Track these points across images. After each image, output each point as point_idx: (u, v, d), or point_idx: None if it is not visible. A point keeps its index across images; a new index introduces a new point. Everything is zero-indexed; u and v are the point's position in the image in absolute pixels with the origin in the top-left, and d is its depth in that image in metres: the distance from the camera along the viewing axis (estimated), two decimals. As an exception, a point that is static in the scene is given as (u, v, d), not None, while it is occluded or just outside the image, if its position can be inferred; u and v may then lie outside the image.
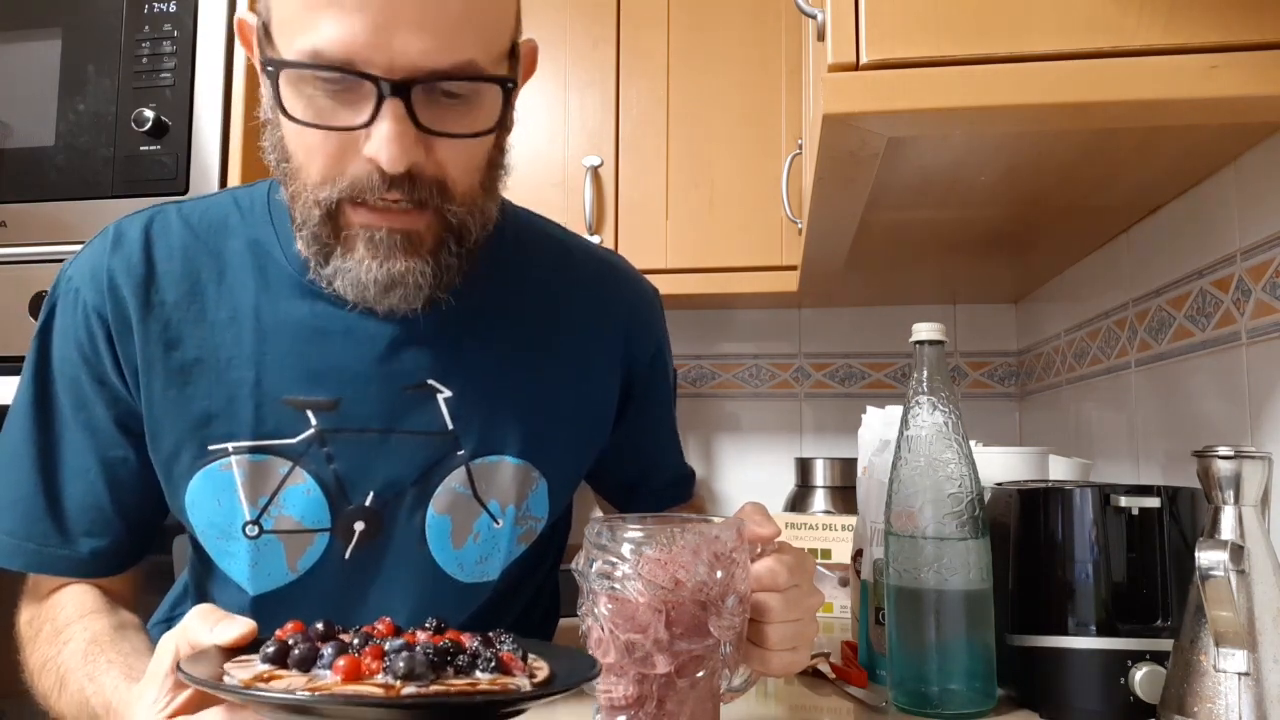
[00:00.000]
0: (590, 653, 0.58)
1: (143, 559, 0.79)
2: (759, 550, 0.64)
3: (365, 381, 0.73)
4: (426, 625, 0.59)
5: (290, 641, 0.49)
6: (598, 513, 1.09)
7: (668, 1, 1.52)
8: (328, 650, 0.48)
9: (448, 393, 0.74)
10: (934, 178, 0.93)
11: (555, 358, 0.80)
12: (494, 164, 0.70)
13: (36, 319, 0.76)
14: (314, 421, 0.72)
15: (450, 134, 0.63)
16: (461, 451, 0.75)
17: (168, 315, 0.72)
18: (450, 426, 0.74)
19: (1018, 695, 0.76)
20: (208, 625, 0.52)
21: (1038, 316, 1.60)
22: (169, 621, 0.85)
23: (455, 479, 0.75)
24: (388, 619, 0.58)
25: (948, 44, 0.69)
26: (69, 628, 0.70)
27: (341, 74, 0.60)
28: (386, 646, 0.48)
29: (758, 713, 0.79)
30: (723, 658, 0.59)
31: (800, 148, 1.36)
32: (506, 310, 0.79)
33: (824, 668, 0.88)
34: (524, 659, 0.52)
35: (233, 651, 0.51)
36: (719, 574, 0.57)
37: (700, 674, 0.58)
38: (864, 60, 0.70)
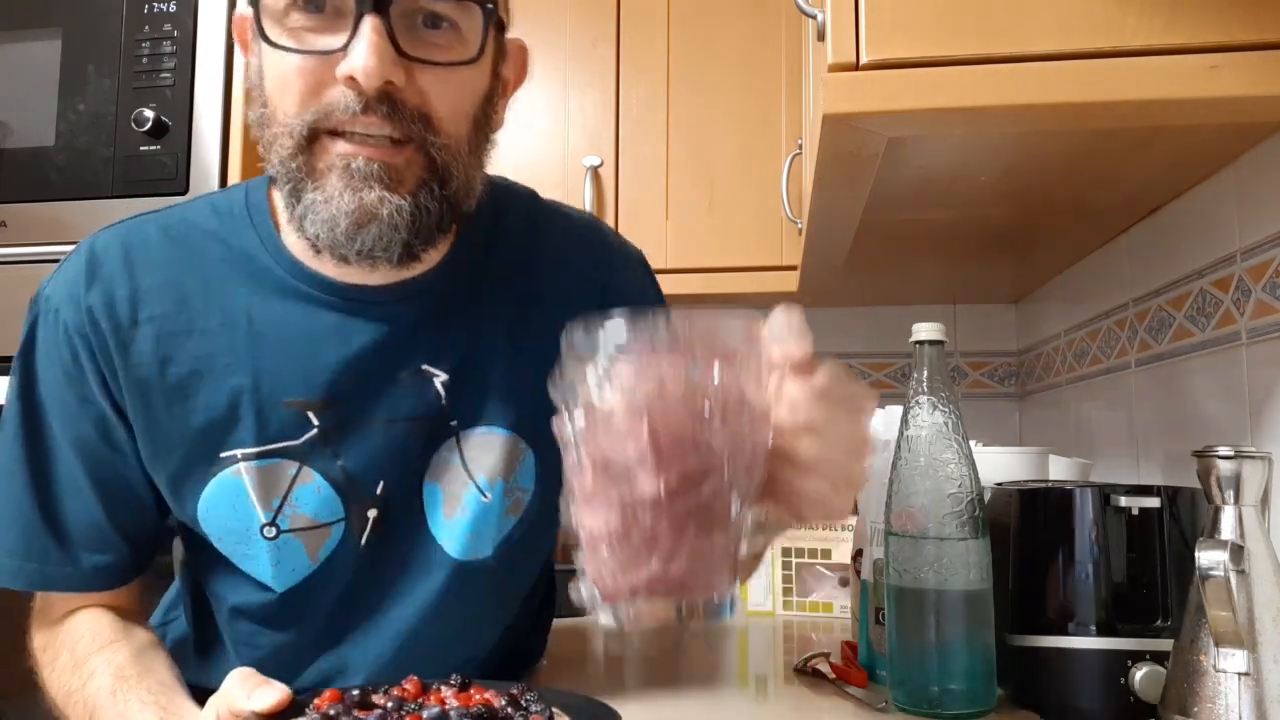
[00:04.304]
0: (567, 479, 0.48)
1: (147, 569, 0.78)
2: (781, 376, 0.51)
3: (363, 376, 0.72)
4: (451, 681, 0.62)
5: (332, 712, 0.53)
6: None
7: (668, 1, 1.52)
8: (372, 718, 0.52)
9: (444, 376, 0.74)
10: (934, 178, 0.93)
11: (540, 326, 0.78)
12: (481, 122, 0.69)
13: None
14: (316, 421, 0.71)
15: (431, 61, 0.63)
16: (454, 422, 0.75)
17: (157, 330, 0.71)
18: (445, 404, 0.74)
19: (1018, 695, 0.76)
20: (245, 691, 0.55)
21: (1038, 316, 1.60)
22: (162, 627, 0.85)
23: (446, 447, 0.75)
24: (415, 678, 0.62)
25: (948, 44, 0.69)
26: (90, 660, 0.70)
27: None
28: (424, 716, 0.52)
29: (758, 713, 0.79)
30: (728, 483, 0.48)
31: (800, 148, 1.36)
32: (492, 283, 0.78)
33: (824, 668, 0.88)
34: (550, 717, 0.55)
35: (271, 718, 0.54)
36: (717, 376, 0.47)
37: (699, 496, 0.47)
38: (864, 60, 0.70)
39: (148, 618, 0.81)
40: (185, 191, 1.36)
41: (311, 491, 0.72)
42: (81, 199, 1.40)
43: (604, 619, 0.47)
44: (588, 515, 0.47)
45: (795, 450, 0.49)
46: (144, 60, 1.41)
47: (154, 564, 0.80)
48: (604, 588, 0.47)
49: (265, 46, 0.64)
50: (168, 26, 1.41)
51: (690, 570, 0.46)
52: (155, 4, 1.42)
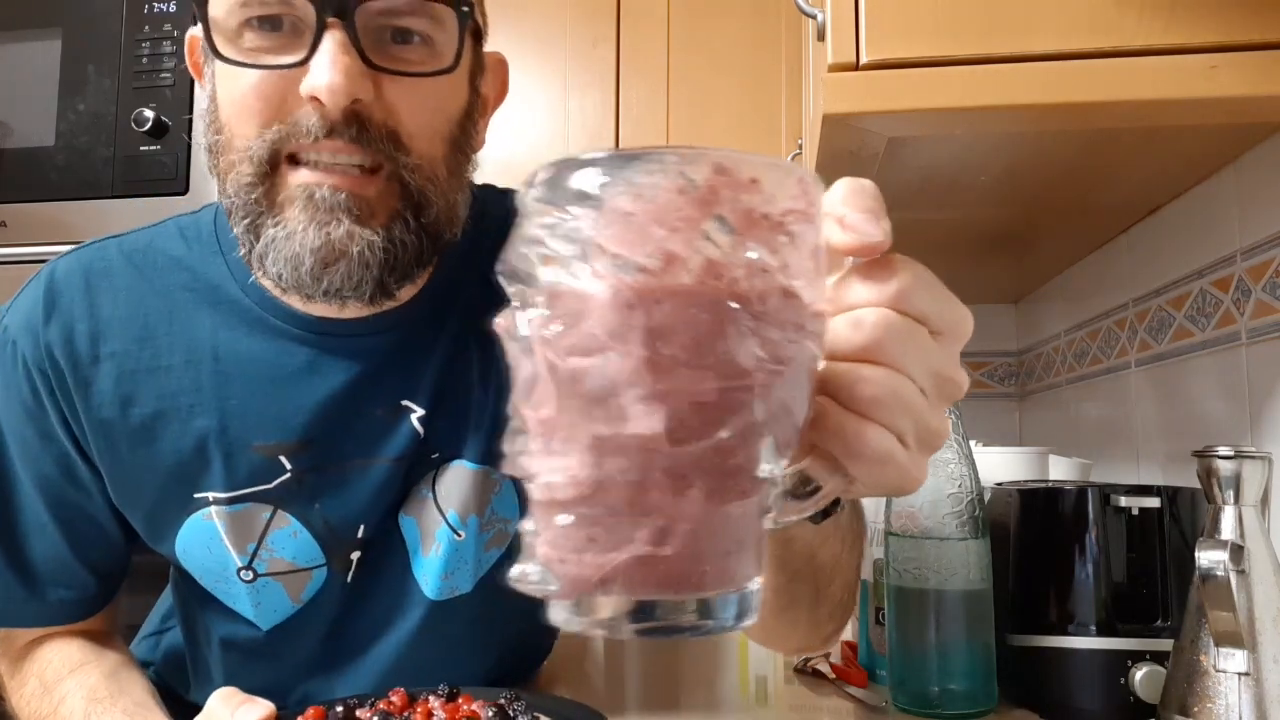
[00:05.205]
0: (515, 405, 0.33)
1: (114, 598, 0.75)
2: (842, 273, 0.34)
3: (337, 416, 0.67)
4: (439, 691, 0.61)
5: None
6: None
7: (668, 1, 1.52)
8: None
9: (420, 411, 0.69)
10: (934, 178, 0.93)
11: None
12: (459, 141, 0.63)
13: None
14: (289, 465, 0.67)
15: (401, 71, 0.57)
16: (435, 455, 0.71)
17: (119, 368, 0.66)
18: (424, 438, 0.70)
19: (1018, 695, 0.76)
20: (229, 710, 0.56)
21: (1038, 316, 1.60)
22: (158, 635, 0.84)
23: (424, 481, 0.71)
24: (401, 690, 0.61)
25: (948, 44, 0.69)
26: (61, 684, 0.68)
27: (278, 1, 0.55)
28: None
29: (758, 713, 0.79)
30: (760, 421, 0.30)
31: (800, 148, 1.36)
32: (470, 299, 0.71)
33: (824, 668, 0.88)
34: None
35: None
36: (752, 252, 0.29)
37: (717, 439, 0.29)
38: (864, 60, 0.70)
39: (131, 614, 0.80)
40: (185, 191, 1.37)
41: (288, 536, 0.68)
42: (81, 199, 1.40)
43: (557, 615, 0.31)
44: (543, 460, 0.31)
45: (853, 383, 0.33)
46: (144, 60, 1.41)
47: (152, 564, 0.79)
48: (562, 571, 0.30)
49: (219, 68, 0.59)
50: (168, 26, 1.41)
51: (692, 551, 0.30)
52: (155, 4, 1.42)
